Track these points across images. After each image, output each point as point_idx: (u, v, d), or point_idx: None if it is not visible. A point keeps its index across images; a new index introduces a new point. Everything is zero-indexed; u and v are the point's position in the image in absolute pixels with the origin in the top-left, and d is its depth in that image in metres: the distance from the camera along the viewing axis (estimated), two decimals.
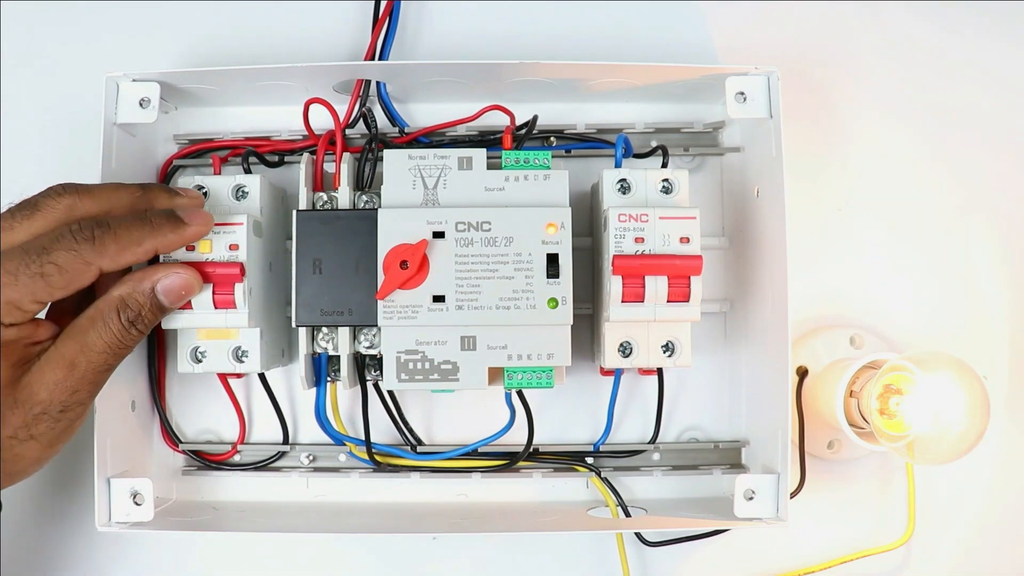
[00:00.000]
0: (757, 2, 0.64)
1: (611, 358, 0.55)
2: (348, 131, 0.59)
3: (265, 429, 0.61)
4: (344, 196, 0.54)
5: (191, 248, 0.52)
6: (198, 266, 0.51)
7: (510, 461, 0.59)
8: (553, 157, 0.55)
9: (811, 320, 0.62)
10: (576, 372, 0.60)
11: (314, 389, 0.55)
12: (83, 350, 0.47)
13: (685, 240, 0.53)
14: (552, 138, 0.61)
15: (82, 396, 0.48)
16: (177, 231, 0.50)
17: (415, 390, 0.56)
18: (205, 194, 0.54)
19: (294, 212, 0.53)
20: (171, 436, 0.60)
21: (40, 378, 0.47)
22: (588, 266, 0.59)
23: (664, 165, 0.57)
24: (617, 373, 0.58)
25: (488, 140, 0.59)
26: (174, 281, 0.50)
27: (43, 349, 0.47)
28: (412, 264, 0.51)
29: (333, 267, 0.53)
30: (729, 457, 0.61)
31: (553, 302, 0.52)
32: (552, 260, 0.52)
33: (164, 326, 0.53)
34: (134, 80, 0.56)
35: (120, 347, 0.48)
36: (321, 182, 0.57)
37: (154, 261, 0.51)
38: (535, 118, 0.57)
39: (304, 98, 0.56)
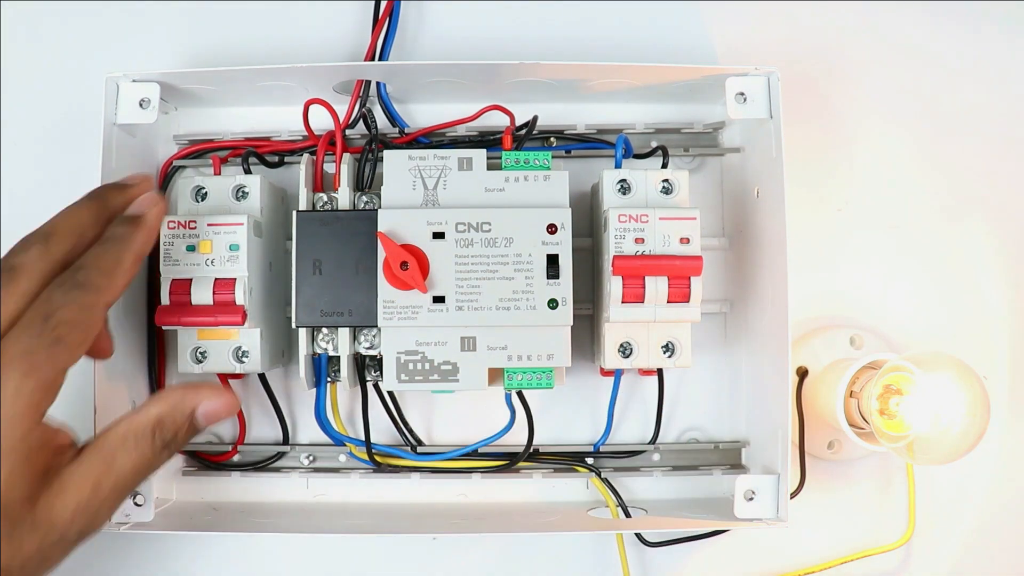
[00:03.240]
0: (757, 2, 0.64)
1: (611, 359, 0.55)
2: (348, 131, 0.59)
3: (265, 429, 0.61)
4: (344, 197, 0.54)
5: (191, 250, 0.52)
6: (197, 311, 0.52)
7: (510, 462, 0.59)
8: (553, 157, 0.55)
9: (811, 320, 0.62)
10: (576, 373, 0.60)
11: (314, 390, 0.55)
12: (110, 470, 0.43)
13: (685, 241, 0.53)
14: (552, 138, 0.60)
15: (102, 519, 0.44)
16: (141, 230, 0.48)
17: (415, 391, 0.56)
18: (205, 194, 0.55)
19: (294, 213, 0.53)
20: None
21: (61, 499, 0.42)
22: (588, 267, 0.59)
23: (664, 166, 0.57)
24: (617, 374, 0.58)
25: (488, 140, 0.59)
26: (216, 406, 0.47)
27: (65, 462, 0.43)
28: (412, 264, 0.51)
29: (333, 268, 0.53)
30: (729, 457, 0.61)
31: (553, 303, 0.52)
32: (552, 261, 0.52)
33: (164, 326, 0.53)
34: (134, 80, 0.56)
35: (148, 469, 0.45)
36: (321, 183, 0.57)
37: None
38: (535, 118, 0.57)
39: (304, 98, 0.56)
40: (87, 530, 0.43)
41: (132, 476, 0.44)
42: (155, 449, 0.45)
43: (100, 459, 0.43)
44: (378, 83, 0.59)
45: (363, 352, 0.54)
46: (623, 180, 0.55)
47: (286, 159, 0.60)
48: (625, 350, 0.55)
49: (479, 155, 0.54)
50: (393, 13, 0.61)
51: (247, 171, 0.57)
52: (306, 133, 0.58)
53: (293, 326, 0.53)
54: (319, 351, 0.54)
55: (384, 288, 0.52)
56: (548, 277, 0.52)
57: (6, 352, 0.41)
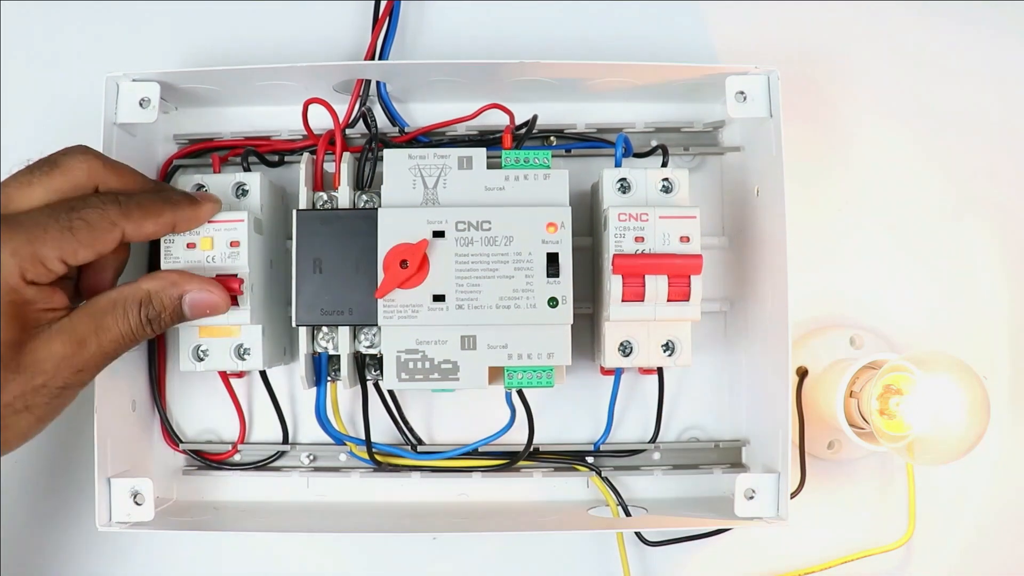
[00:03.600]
0: (757, 2, 0.64)
1: (611, 357, 0.55)
2: (348, 131, 0.59)
3: (265, 429, 0.61)
4: (344, 196, 0.54)
5: (192, 246, 0.52)
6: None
7: (510, 461, 0.59)
8: (553, 157, 0.55)
9: (811, 320, 0.62)
10: (576, 371, 0.60)
11: (314, 389, 0.55)
12: (97, 331, 0.47)
13: (685, 239, 0.53)
14: (552, 137, 0.61)
15: (84, 377, 0.47)
16: (193, 207, 0.51)
17: (415, 390, 0.56)
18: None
19: (294, 211, 0.53)
20: (171, 436, 0.60)
21: (48, 348, 0.45)
22: (588, 266, 0.59)
23: (664, 164, 0.57)
24: (617, 372, 0.58)
25: (488, 140, 0.59)
26: (204, 298, 0.50)
27: (55, 318, 0.46)
28: (412, 263, 0.51)
29: (333, 267, 0.53)
30: (729, 456, 0.61)
31: (553, 301, 0.52)
32: (552, 259, 0.52)
33: None
34: (134, 80, 0.56)
35: (131, 339, 0.48)
36: (321, 182, 0.57)
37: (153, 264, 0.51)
38: (535, 117, 0.57)
39: (304, 98, 0.56)
40: (70, 384, 0.46)
41: (116, 342, 0.48)
42: (140, 322, 0.48)
43: (89, 319, 0.47)
44: (378, 82, 0.59)
45: (363, 351, 0.54)
46: (623, 179, 0.55)
47: (286, 158, 0.60)
48: (625, 349, 0.55)
49: (479, 154, 0.54)
50: (393, 12, 0.61)
51: (247, 170, 0.57)
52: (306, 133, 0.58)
53: (293, 325, 0.53)
54: (319, 350, 0.54)
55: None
56: (548, 275, 0.52)
57: (24, 220, 0.45)
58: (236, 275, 0.52)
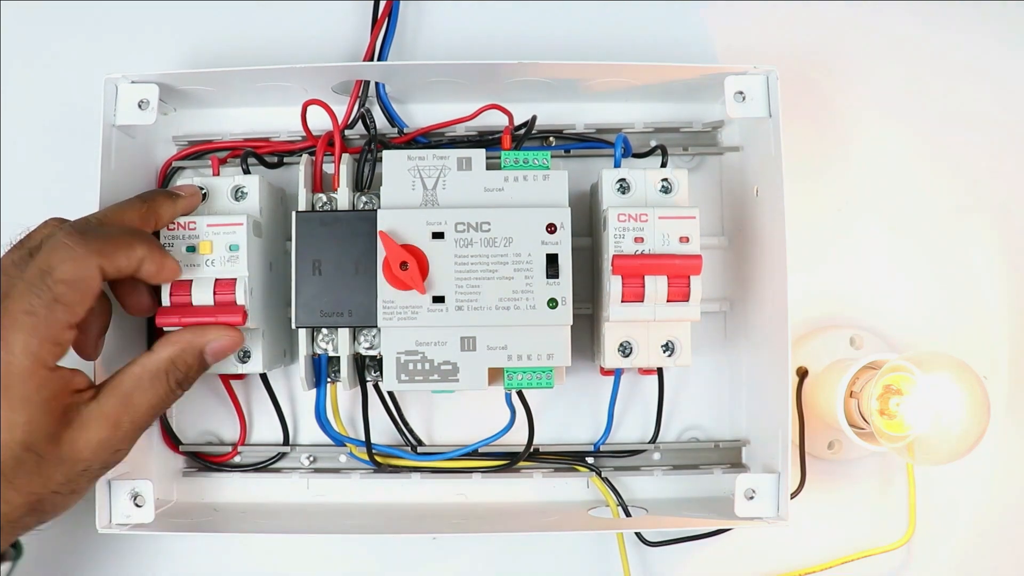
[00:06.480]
0: (756, 2, 0.64)
1: (611, 358, 0.55)
2: (347, 132, 0.59)
3: (265, 430, 0.61)
4: (343, 197, 0.54)
5: (192, 249, 0.52)
6: (198, 312, 0.51)
7: (510, 461, 0.59)
8: (552, 157, 0.55)
9: (811, 320, 0.62)
10: (576, 372, 0.60)
11: (314, 390, 0.55)
12: (127, 409, 0.47)
13: (684, 240, 0.53)
14: (551, 138, 0.61)
15: (122, 454, 0.48)
16: (171, 198, 0.52)
17: (415, 391, 0.56)
18: (204, 195, 0.54)
19: (293, 213, 0.53)
20: (171, 438, 0.60)
21: (83, 436, 0.46)
22: (588, 266, 0.59)
23: (663, 165, 0.57)
24: (617, 373, 0.58)
25: (487, 140, 0.59)
26: (224, 344, 0.51)
27: (84, 400, 0.46)
28: (411, 263, 0.51)
29: (333, 268, 0.53)
30: (729, 456, 0.61)
31: (553, 302, 0.52)
32: (552, 260, 0.52)
33: (164, 327, 0.53)
34: (133, 82, 0.56)
35: (163, 406, 0.49)
36: (320, 183, 0.57)
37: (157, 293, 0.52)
38: (534, 118, 0.57)
39: (303, 99, 0.56)
40: (110, 462, 0.48)
41: (148, 413, 0.48)
42: (170, 387, 0.49)
43: (117, 399, 0.47)
44: (377, 83, 0.59)
45: (363, 352, 0.54)
46: (622, 179, 0.55)
47: (285, 160, 0.60)
48: (625, 349, 0.55)
49: (478, 155, 0.54)
50: (392, 13, 0.61)
51: (246, 172, 0.57)
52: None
53: (293, 326, 0.53)
54: (319, 351, 0.54)
55: (384, 288, 0.52)
56: (548, 276, 0.52)
57: (12, 310, 0.44)
58: (237, 302, 0.52)
